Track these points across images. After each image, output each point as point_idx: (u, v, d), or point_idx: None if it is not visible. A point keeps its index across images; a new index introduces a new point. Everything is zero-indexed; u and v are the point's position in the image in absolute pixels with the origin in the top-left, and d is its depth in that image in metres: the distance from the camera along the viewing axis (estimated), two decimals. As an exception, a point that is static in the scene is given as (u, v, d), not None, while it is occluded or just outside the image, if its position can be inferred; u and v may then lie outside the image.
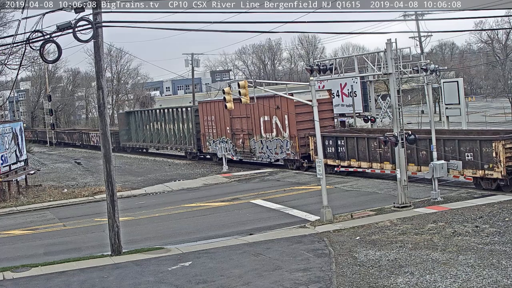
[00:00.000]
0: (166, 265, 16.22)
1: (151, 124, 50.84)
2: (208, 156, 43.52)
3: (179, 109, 46.28)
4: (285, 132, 33.98)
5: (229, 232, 20.34)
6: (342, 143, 30.05)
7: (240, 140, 38.21)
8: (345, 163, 30.03)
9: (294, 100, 28.49)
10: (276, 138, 34.86)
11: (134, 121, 54.45)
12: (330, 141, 30.67)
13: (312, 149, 32.07)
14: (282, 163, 35.67)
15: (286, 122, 33.88)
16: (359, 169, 29.52)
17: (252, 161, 38.83)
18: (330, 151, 30.77)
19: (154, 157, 49.48)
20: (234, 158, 39.46)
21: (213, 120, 40.87)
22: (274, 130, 35.09)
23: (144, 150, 55.18)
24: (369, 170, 28.80)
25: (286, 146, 34.18)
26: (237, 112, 37.15)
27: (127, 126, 56.07)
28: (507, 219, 18.16)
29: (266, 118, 35.70)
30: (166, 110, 48.70)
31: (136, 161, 48.39)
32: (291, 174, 33.27)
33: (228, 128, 39.34)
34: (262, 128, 36.15)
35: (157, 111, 50.86)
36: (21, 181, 34.33)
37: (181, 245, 18.73)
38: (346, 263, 15.02)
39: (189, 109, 45.28)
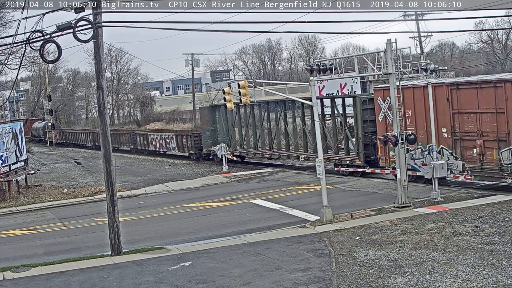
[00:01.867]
0: (166, 265, 16.23)
1: (254, 122, 37.79)
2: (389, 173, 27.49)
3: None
4: None
5: (229, 232, 20.35)
6: None
7: (476, 150, 23.56)
8: None
9: None
10: None
11: (223, 119, 40.93)
12: None
13: None
14: None
15: None
16: None
17: (503, 184, 23.13)
18: None
19: (154, 157, 49.41)
20: (460, 178, 24.36)
21: (408, 117, 25.93)
22: None
23: (239, 160, 40.12)
24: None
25: None
26: (468, 105, 23.78)
27: (212, 125, 41.79)
28: (507, 219, 18.17)
29: None
30: (289, 103, 34.01)
31: (136, 161, 48.36)
32: (291, 174, 33.27)
33: (444, 130, 24.82)
34: None
35: (269, 104, 37.05)
36: (21, 181, 34.33)
37: (181, 245, 18.73)
38: (346, 263, 15.02)
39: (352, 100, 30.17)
